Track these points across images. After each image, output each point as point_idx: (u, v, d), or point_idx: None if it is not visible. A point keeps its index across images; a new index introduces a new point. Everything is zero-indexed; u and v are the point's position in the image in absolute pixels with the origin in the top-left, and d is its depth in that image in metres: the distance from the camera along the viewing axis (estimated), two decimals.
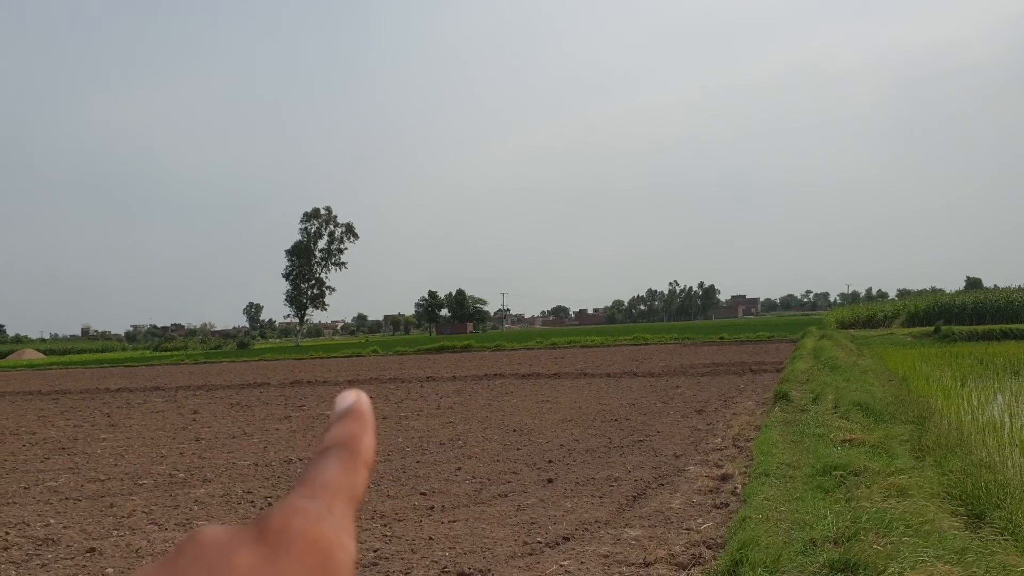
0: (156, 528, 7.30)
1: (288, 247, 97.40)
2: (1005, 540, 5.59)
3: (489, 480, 8.78)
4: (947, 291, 60.18)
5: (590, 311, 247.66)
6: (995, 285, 56.04)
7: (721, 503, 7.12)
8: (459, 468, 9.57)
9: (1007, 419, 11.58)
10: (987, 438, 10.28)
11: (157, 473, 10.20)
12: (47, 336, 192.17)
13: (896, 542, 5.02)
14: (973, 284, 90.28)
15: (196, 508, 8.06)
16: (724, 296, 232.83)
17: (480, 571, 5.54)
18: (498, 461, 9.95)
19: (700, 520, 6.57)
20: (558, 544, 6.13)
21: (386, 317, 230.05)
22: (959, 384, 16.37)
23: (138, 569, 0.40)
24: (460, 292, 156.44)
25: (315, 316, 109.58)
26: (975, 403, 13.40)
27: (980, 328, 37.59)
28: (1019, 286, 51.21)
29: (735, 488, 7.60)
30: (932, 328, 38.22)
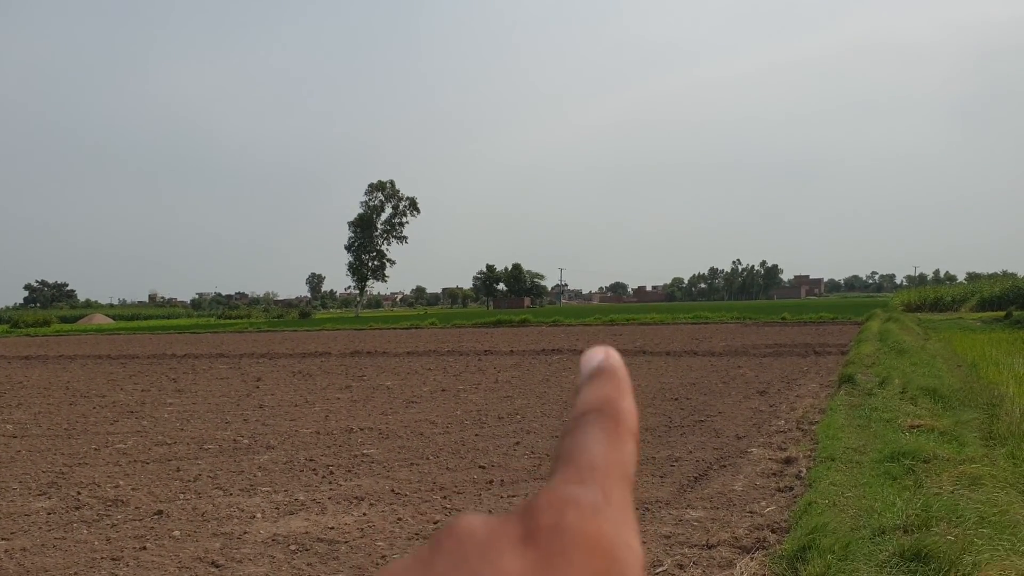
0: (221, 493, 7.45)
1: (351, 219, 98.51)
2: None
3: (548, 456, 8.77)
4: (1020, 275, 58.32)
5: (649, 288, 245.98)
6: None
7: (785, 487, 7.01)
8: (517, 443, 9.58)
9: None
10: None
11: (222, 439, 10.42)
12: (116, 302, 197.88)
13: (969, 533, 4.88)
14: None
15: (260, 474, 8.21)
16: (787, 276, 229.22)
17: None
18: (556, 437, 9.93)
19: (763, 503, 6.47)
20: None
21: (444, 290, 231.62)
22: None
23: (391, 563, 0.34)
24: (517, 266, 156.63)
25: (375, 288, 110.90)
26: None
27: None
28: None
29: (799, 472, 7.47)
30: (1004, 313, 37.05)
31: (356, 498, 7.10)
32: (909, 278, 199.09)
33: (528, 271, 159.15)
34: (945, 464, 7.02)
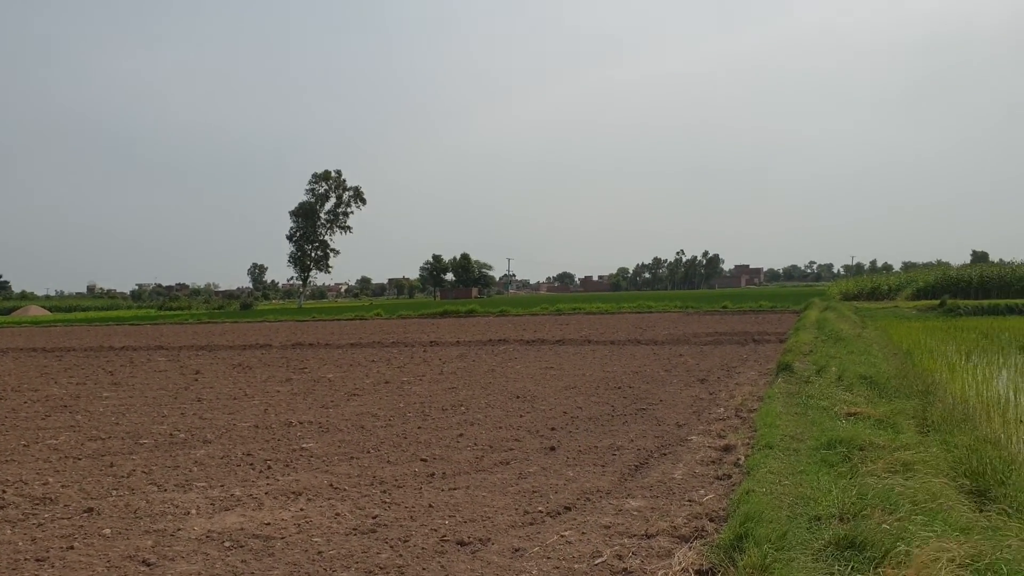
0: (155, 488, 7.27)
1: (293, 208, 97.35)
2: (1011, 518, 5.53)
3: (491, 447, 8.74)
4: (953, 265, 59.99)
5: (595, 278, 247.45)
6: (1001, 259, 55.68)
7: (724, 474, 7.07)
8: (461, 435, 9.53)
9: (1012, 395, 11.49)
10: (992, 414, 10.19)
11: (158, 433, 10.18)
12: (52, 293, 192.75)
13: (902, 520, 4.96)
14: (979, 258, 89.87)
15: (195, 469, 8.03)
16: (728, 265, 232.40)
17: (480, 540, 5.49)
18: (500, 428, 9.91)
19: (703, 491, 6.51)
20: (559, 514, 6.08)
21: (390, 280, 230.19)
22: (964, 359, 16.27)
23: None
24: (465, 256, 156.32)
25: (319, 278, 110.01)
26: (980, 378, 13.29)
27: (986, 303, 37.41)
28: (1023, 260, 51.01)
29: (738, 460, 7.54)
30: (937, 302, 38.05)
31: (294, 493, 6.98)
32: (847, 267, 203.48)
33: (476, 261, 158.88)
34: (880, 451, 7.13)
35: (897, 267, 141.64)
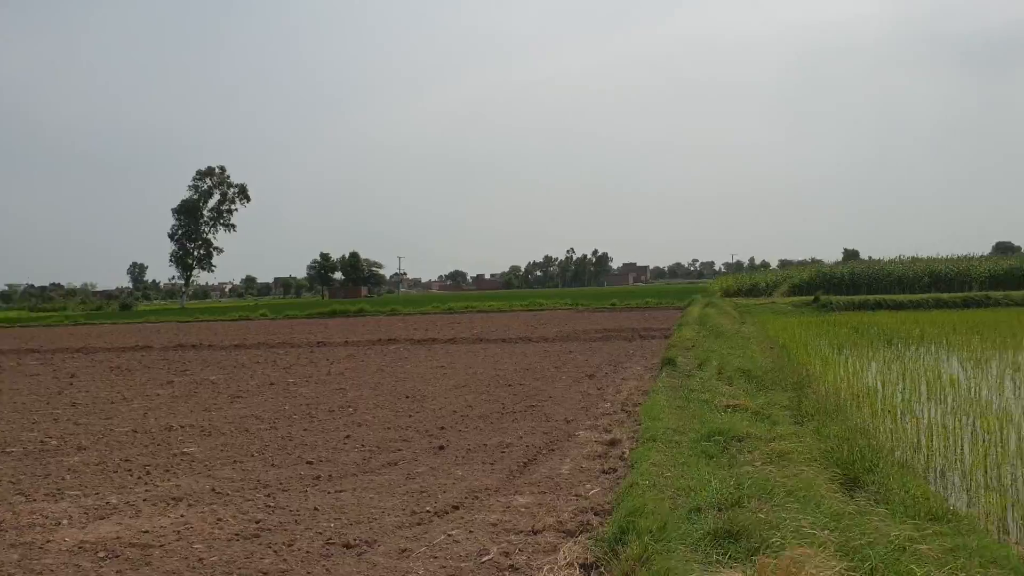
0: (23, 499, 6.92)
1: (175, 205, 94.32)
2: (878, 504, 5.82)
3: (379, 448, 8.67)
4: (826, 262, 62.65)
5: (488, 276, 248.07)
6: (870, 257, 58.55)
7: (609, 468, 7.21)
8: (348, 436, 9.41)
9: (880, 386, 12.10)
10: (862, 404, 10.71)
11: (27, 440, 9.70)
12: None
13: (777, 508, 5.15)
14: (850, 255, 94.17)
15: (68, 477, 7.68)
16: (616, 264, 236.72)
17: (366, 542, 5.44)
18: (389, 428, 9.84)
19: (589, 486, 6.63)
20: (447, 513, 6.08)
21: (276, 280, 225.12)
22: (836, 352, 17.04)
23: None
24: (354, 255, 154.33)
25: (202, 277, 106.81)
26: (851, 371, 13.94)
27: (856, 298, 39.21)
28: (892, 258, 53.65)
29: (623, 453, 7.71)
30: (812, 297, 39.66)
31: (174, 499, 6.77)
32: (728, 265, 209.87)
33: (366, 260, 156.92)
34: (757, 442, 7.41)
35: (774, 265, 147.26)
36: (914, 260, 51.77)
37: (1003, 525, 5.91)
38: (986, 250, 71.80)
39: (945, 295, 38.87)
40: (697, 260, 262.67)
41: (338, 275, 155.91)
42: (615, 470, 7.12)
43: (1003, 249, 79.45)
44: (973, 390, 11.59)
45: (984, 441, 8.38)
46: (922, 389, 11.90)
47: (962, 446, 8.29)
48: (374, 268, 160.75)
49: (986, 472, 7.26)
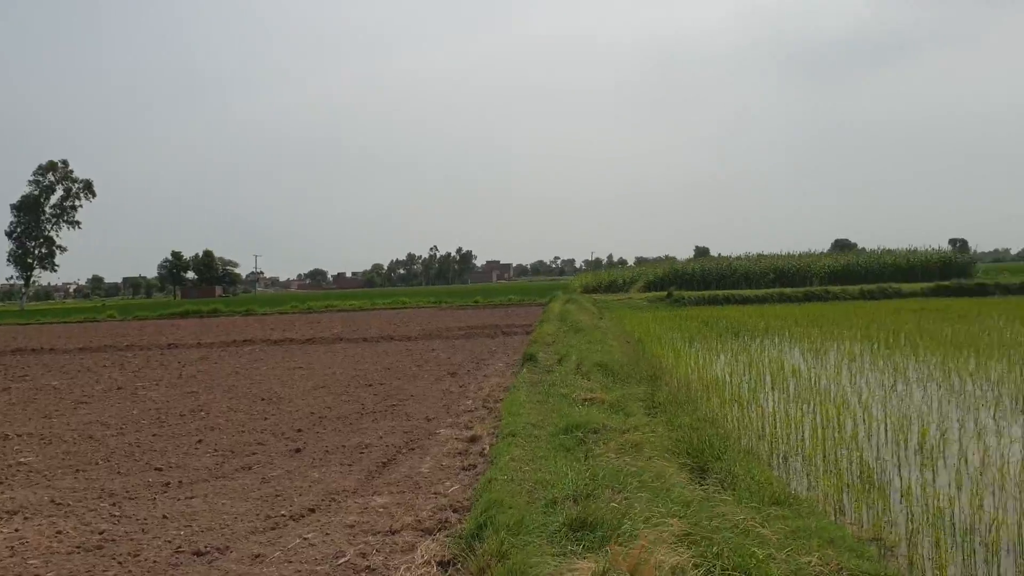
0: None
1: (14, 202, 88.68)
2: (725, 491, 6.06)
3: (232, 452, 8.39)
4: (679, 259, 64.83)
5: (349, 275, 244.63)
6: (719, 253, 60.99)
7: (469, 465, 7.23)
8: (200, 441, 9.08)
9: (728, 377, 12.62)
10: (711, 394, 11.13)
11: None
12: None
13: (630, 498, 5.28)
14: (701, 253, 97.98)
15: None
16: (480, 261, 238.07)
17: (217, 549, 5.25)
18: (243, 432, 9.55)
19: (448, 483, 6.62)
20: (303, 516, 5.95)
21: (125, 280, 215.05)
22: (688, 345, 17.67)
23: None
24: (208, 253, 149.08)
25: (43, 278, 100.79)
26: (701, 363, 14.49)
27: (706, 293, 40.81)
28: (740, 255, 56.01)
29: (483, 449, 7.74)
30: (665, 293, 40.98)
31: (8, 512, 6.34)
32: (588, 262, 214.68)
33: (220, 258, 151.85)
34: (612, 434, 7.58)
35: (631, 262, 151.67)
36: (760, 257, 54.27)
37: (840, 506, 6.25)
38: (826, 247, 75.89)
39: (788, 290, 40.94)
40: (559, 258, 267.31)
41: (191, 275, 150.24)
42: (475, 467, 7.14)
43: (841, 246, 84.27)
44: (813, 379, 12.25)
45: (823, 427, 8.88)
46: (767, 379, 12.49)
47: (803, 432, 8.73)
48: (229, 267, 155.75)
49: (824, 457, 7.67)
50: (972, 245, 69.05)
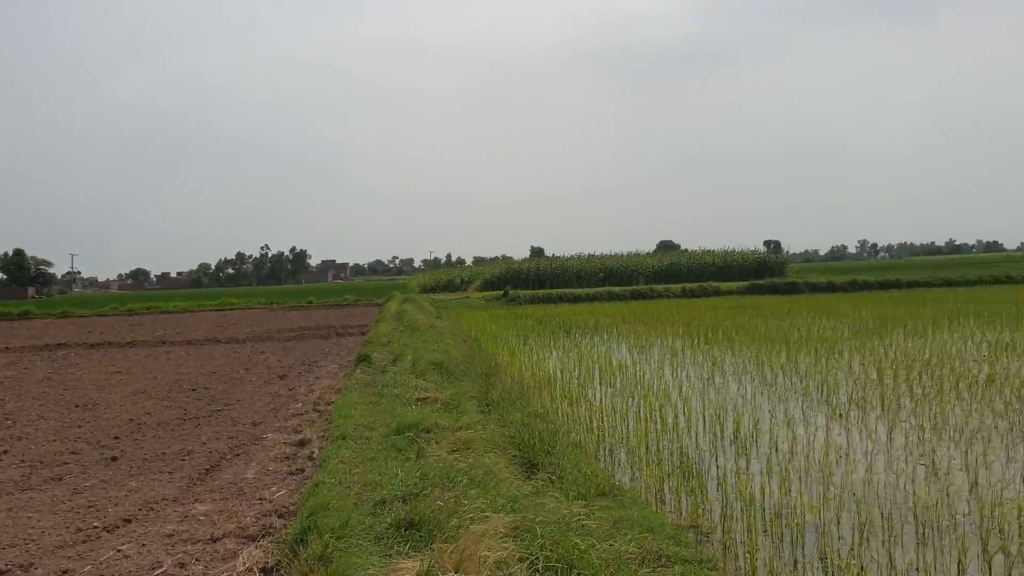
0: None
1: None
2: (553, 485, 6.20)
3: (42, 463, 7.86)
4: (515, 259, 65.85)
5: (174, 275, 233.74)
6: (554, 254, 62.31)
7: (297, 469, 7.07)
8: (6, 451, 8.46)
9: (559, 373, 12.93)
10: (543, 391, 11.37)
11: None
12: None
13: (459, 495, 5.32)
14: (537, 253, 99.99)
15: None
16: (315, 261, 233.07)
17: (20, 566, 4.91)
18: (55, 441, 8.96)
19: (274, 488, 6.45)
20: (117, 527, 5.64)
21: None
22: (522, 343, 17.98)
23: None
24: (19, 252, 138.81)
25: None
26: (535, 360, 14.79)
27: (541, 292, 41.68)
28: (572, 255, 57.46)
29: (312, 453, 7.59)
30: (501, 292, 41.54)
31: None
32: (426, 262, 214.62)
33: (33, 258, 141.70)
34: (445, 432, 7.62)
35: (469, 261, 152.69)
36: (591, 257, 55.90)
37: (660, 496, 6.52)
38: (651, 248, 79.14)
39: (616, 288, 42.39)
40: (397, 257, 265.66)
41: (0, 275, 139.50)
42: (303, 471, 6.99)
43: (665, 247, 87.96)
44: (638, 373, 12.74)
45: (646, 420, 9.24)
46: (596, 374, 12.89)
47: (628, 425, 9.06)
48: (42, 267, 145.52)
49: (647, 448, 7.99)
50: (785, 246, 73.69)
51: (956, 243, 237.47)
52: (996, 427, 8.23)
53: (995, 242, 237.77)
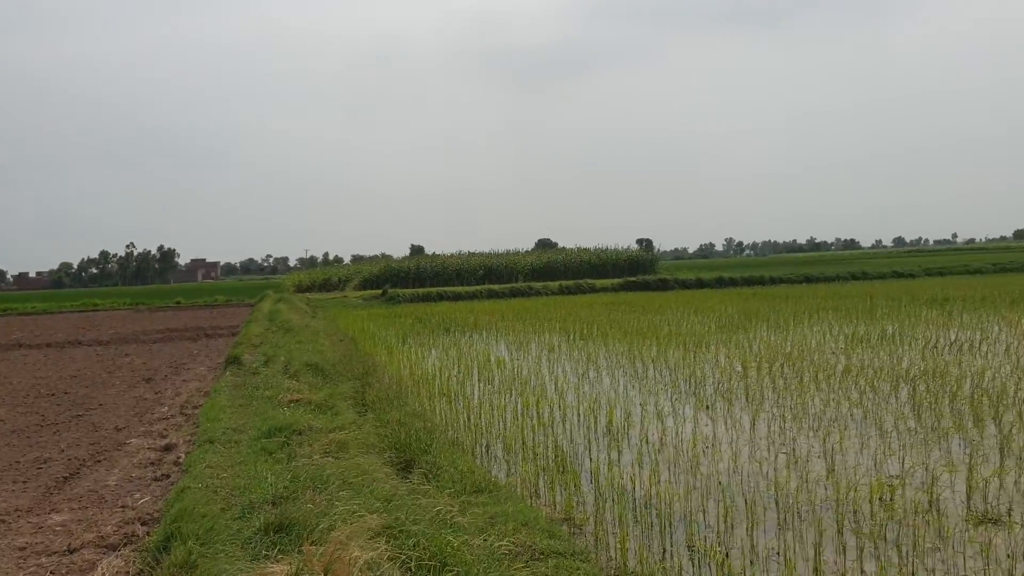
0: None
1: None
2: (429, 483, 6.18)
3: None
4: (395, 257, 65.31)
5: (32, 275, 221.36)
6: (434, 252, 62.11)
7: (162, 475, 6.82)
8: None
9: (438, 371, 12.89)
10: (421, 390, 11.32)
11: None
12: None
13: (332, 497, 5.24)
14: (417, 251, 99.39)
15: None
16: (184, 260, 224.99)
17: None
18: None
19: (138, 495, 6.20)
20: None
21: None
22: (401, 342, 17.84)
23: None
24: None
25: None
26: (414, 359, 14.70)
27: (421, 290, 41.48)
28: (452, 253, 57.43)
29: (178, 458, 7.34)
30: (380, 291, 41.14)
31: None
32: (301, 260, 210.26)
33: None
34: (318, 434, 7.48)
35: (348, 260, 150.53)
36: (471, 255, 56.04)
37: (536, 490, 6.59)
38: (530, 246, 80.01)
39: (496, 286, 42.63)
40: (271, 256, 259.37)
41: None
42: (169, 476, 6.75)
43: (543, 245, 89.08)
44: (516, 370, 12.85)
45: (523, 415, 9.33)
46: (474, 372, 12.92)
47: (506, 421, 9.12)
48: None
49: (524, 443, 8.07)
50: (656, 244, 75.69)
51: (816, 241, 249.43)
52: (851, 415, 8.68)
53: (852, 240, 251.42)
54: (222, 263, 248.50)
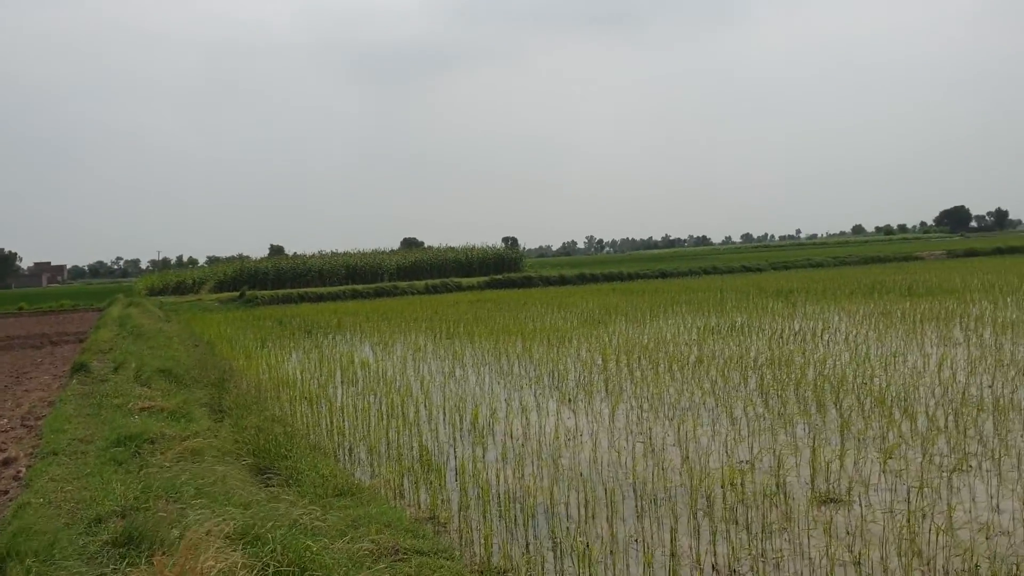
0: None
1: None
2: (290, 488, 6.04)
3: None
4: (253, 258, 63.39)
5: None
6: (295, 252, 60.57)
7: (0, 491, 6.39)
8: None
9: (299, 375, 12.62)
10: (282, 394, 11.05)
11: None
12: None
13: (185, 506, 5.05)
14: (276, 251, 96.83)
15: None
16: (27, 263, 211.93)
17: None
18: None
19: None
20: None
21: None
22: (260, 346, 17.36)
23: None
24: None
25: None
26: (274, 362, 14.34)
27: (280, 292, 40.42)
28: (314, 253, 56.26)
29: (18, 472, 6.90)
30: (238, 293, 39.86)
31: None
32: (154, 262, 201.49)
33: None
34: (172, 442, 7.20)
35: (203, 261, 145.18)
36: (333, 255, 55.05)
37: (400, 491, 6.54)
38: (395, 245, 79.37)
39: (360, 286, 42.05)
40: (121, 258, 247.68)
41: None
42: (7, 492, 6.33)
43: (409, 243, 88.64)
44: (381, 370, 12.73)
45: (388, 416, 9.25)
46: (337, 374, 12.72)
47: (370, 423, 9.02)
48: None
49: (388, 444, 8.00)
50: (521, 243, 76.70)
51: (671, 239, 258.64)
52: (704, 404, 9.02)
53: (704, 237, 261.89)
54: (69, 266, 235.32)
